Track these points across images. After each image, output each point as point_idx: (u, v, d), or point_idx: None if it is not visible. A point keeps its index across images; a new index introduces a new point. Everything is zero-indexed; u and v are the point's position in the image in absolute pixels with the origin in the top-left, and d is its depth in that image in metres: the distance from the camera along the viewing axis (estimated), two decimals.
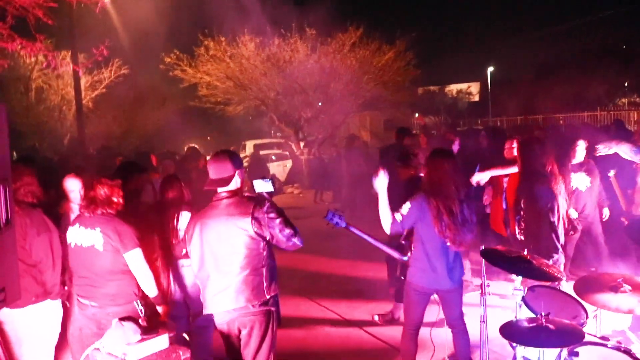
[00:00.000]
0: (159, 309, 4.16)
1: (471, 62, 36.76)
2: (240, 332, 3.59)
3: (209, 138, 31.27)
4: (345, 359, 5.43)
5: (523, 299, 3.75)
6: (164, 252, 4.43)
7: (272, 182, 3.79)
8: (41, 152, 18.04)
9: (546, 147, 5.39)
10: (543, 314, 3.21)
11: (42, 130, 19.94)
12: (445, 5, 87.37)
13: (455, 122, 30.52)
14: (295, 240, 3.58)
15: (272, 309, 3.60)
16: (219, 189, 3.59)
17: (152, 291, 3.99)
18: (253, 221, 3.44)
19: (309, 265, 8.07)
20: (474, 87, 41.59)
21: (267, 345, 3.59)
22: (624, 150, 5.66)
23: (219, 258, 3.52)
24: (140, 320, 3.57)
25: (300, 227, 3.69)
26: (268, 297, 3.54)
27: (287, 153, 21.57)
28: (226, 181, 3.56)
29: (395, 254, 4.74)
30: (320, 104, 20.63)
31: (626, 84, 30.16)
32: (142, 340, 3.43)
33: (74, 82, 17.42)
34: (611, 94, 27.74)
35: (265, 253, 3.55)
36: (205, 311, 3.68)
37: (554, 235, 5.01)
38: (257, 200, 3.54)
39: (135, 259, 3.88)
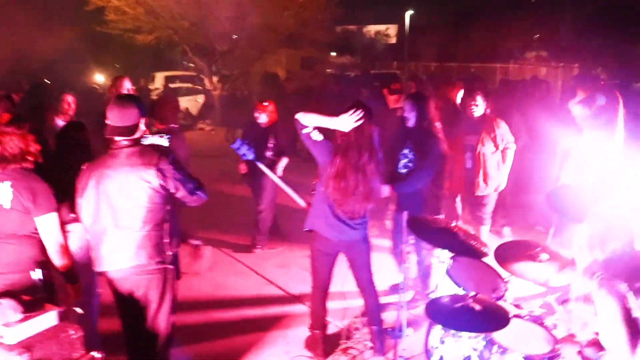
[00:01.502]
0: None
1: (391, 4, 36.29)
2: (133, 292, 3.33)
3: (117, 66, 29.35)
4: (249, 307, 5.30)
5: (447, 272, 3.61)
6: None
7: (169, 138, 3.44)
8: None
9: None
10: (470, 294, 3.06)
11: None
12: None
13: (371, 64, 30.51)
14: (199, 193, 3.41)
15: (170, 266, 3.41)
16: (118, 138, 3.26)
17: (63, 261, 3.44)
18: (158, 172, 3.22)
19: (217, 211, 7.58)
20: (392, 29, 41.48)
21: (167, 304, 3.42)
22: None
23: (119, 212, 3.26)
24: (22, 296, 3.07)
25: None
26: (169, 253, 3.38)
27: (200, 87, 20.67)
28: (131, 130, 3.27)
29: (299, 200, 4.57)
30: (235, 37, 19.67)
31: (536, 37, 31.03)
32: (23, 319, 2.96)
33: None
34: (523, 47, 28.40)
35: (167, 207, 3.36)
36: (98, 268, 3.38)
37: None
38: (162, 151, 3.34)
39: (49, 224, 3.34)
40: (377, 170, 3.92)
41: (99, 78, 24.20)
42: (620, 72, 18.54)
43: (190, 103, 19.78)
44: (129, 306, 3.39)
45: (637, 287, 2.46)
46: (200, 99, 20.28)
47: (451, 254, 3.75)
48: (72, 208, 3.52)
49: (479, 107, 5.71)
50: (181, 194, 3.33)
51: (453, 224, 3.85)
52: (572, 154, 6.09)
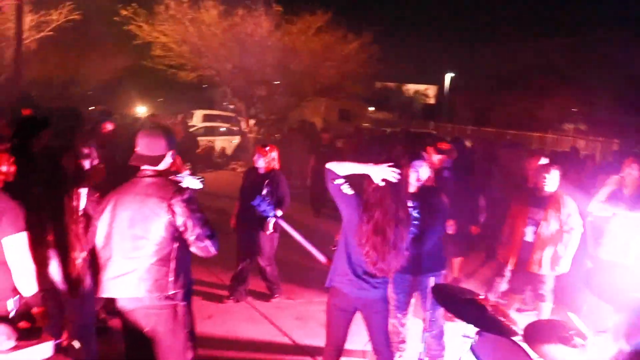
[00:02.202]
0: (35, 309, 3.28)
1: (432, 65, 36.71)
2: (141, 327, 3.23)
3: (159, 101, 29.97)
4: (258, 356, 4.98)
5: (472, 348, 3.33)
6: (56, 237, 3.70)
7: (202, 181, 3.50)
8: None
9: None
10: None
11: None
12: (415, 3, 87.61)
13: (409, 122, 30.57)
14: (208, 243, 3.27)
15: (180, 303, 3.29)
16: (144, 167, 3.27)
17: (29, 288, 3.12)
18: (169, 207, 3.17)
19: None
20: (431, 90, 41.76)
21: (180, 343, 3.30)
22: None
23: (127, 240, 3.23)
24: (17, 324, 2.89)
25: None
26: (173, 291, 3.24)
27: (236, 129, 20.87)
28: (156, 160, 3.27)
29: (319, 256, 4.34)
30: (277, 82, 19.91)
31: (574, 110, 30.82)
32: (16, 347, 2.78)
33: (16, 16, 16.10)
34: (561, 117, 28.20)
35: (176, 245, 3.25)
36: (101, 294, 3.27)
37: None
38: (180, 187, 3.29)
39: (16, 246, 3.05)
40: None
41: (141, 110, 24.73)
42: None
43: (225, 143, 20.00)
44: (135, 339, 3.29)
45: None
46: (236, 140, 20.46)
47: (477, 329, 3.47)
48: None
49: (553, 182, 5.49)
50: (189, 236, 3.22)
51: (481, 296, 3.58)
52: (610, 230, 5.83)
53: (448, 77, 37.98)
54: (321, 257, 4.32)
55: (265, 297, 6.46)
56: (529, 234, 5.61)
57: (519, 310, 6.32)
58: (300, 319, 6.02)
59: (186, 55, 18.71)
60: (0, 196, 3.11)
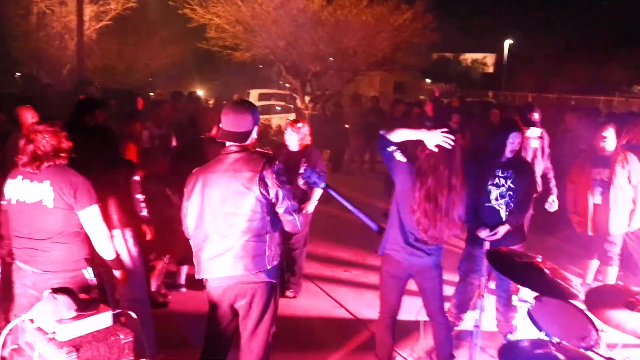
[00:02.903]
0: (116, 273, 3.65)
1: (490, 33, 35.49)
2: (236, 301, 3.29)
3: (215, 83, 30.39)
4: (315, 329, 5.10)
5: (529, 313, 3.21)
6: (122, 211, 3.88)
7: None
8: (39, 80, 17.38)
9: None
10: (553, 340, 2.67)
11: (41, 58, 19.08)
12: None
13: (466, 92, 29.81)
14: (296, 217, 3.28)
15: (274, 280, 3.32)
16: (229, 142, 3.24)
17: (109, 253, 3.46)
18: (260, 180, 3.12)
19: None
20: (490, 58, 40.54)
21: (269, 317, 3.35)
22: None
23: (219, 218, 3.19)
24: (78, 294, 2.99)
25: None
26: (269, 267, 3.24)
27: (292, 106, 20.92)
28: (244, 137, 3.23)
29: (371, 224, 4.27)
30: (331, 59, 19.76)
31: None
32: (77, 317, 2.88)
33: (77, 8, 16.59)
34: (629, 80, 26.78)
35: (269, 218, 3.22)
36: (198, 275, 3.32)
37: None
38: (269, 158, 3.21)
39: (92, 217, 3.30)
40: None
41: (199, 92, 25.16)
42: None
43: (282, 121, 20.11)
44: (221, 314, 3.34)
45: None
46: (292, 117, 20.54)
47: (535, 294, 3.34)
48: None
49: (610, 141, 5.38)
50: (280, 208, 3.21)
51: (539, 259, 3.45)
52: None
53: (507, 44, 36.71)
54: (373, 225, 4.27)
55: (322, 270, 6.46)
56: (596, 196, 5.44)
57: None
58: (357, 290, 6.01)
59: (240, 35, 18.80)
60: (70, 171, 3.28)
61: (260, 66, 25.84)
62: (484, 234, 4.29)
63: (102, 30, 19.73)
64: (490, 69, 40.82)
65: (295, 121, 5.88)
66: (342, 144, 13.85)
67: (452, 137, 3.51)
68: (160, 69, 24.65)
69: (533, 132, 6.04)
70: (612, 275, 5.50)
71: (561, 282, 3.21)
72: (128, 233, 4.07)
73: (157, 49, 23.59)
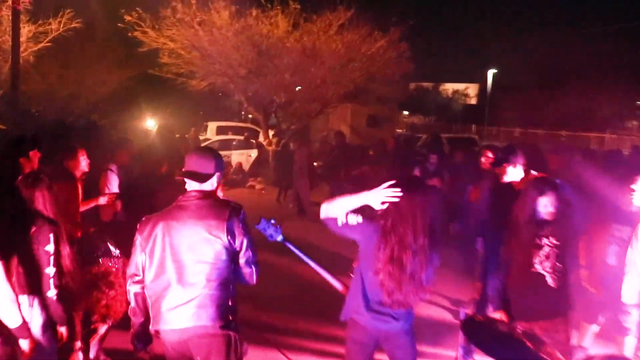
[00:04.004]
0: (23, 343, 3.47)
1: (472, 62, 36.44)
2: (194, 356, 3.33)
3: (168, 112, 30.36)
4: None
5: None
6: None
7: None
8: None
9: None
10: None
11: None
12: None
13: (447, 126, 30.32)
14: (254, 269, 3.46)
15: (232, 333, 3.38)
16: (190, 187, 3.43)
17: (13, 319, 3.32)
18: (227, 229, 3.30)
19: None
20: (472, 89, 41.40)
21: None
22: None
23: (183, 267, 3.31)
24: None
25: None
26: (231, 318, 3.37)
27: (253, 141, 20.94)
28: (203, 178, 3.42)
29: (336, 283, 4.26)
30: (298, 88, 19.97)
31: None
32: None
33: (12, 28, 16.46)
34: (622, 114, 27.61)
35: (232, 267, 3.39)
36: (155, 326, 3.36)
37: None
38: (234, 206, 3.41)
39: None
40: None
41: (150, 123, 25.05)
42: None
43: (243, 157, 20.04)
44: None
45: None
46: (254, 153, 20.50)
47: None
48: None
49: (639, 195, 5.00)
50: (242, 258, 3.39)
51: (519, 329, 3.45)
52: None
53: (491, 74, 37.67)
54: (338, 285, 4.26)
55: (284, 331, 6.39)
56: (611, 256, 5.24)
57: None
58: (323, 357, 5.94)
59: (196, 61, 18.94)
60: None
61: (220, 94, 25.96)
62: None
63: (41, 53, 19.59)
64: (473, 100, 41.69)
65: None
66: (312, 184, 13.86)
67: (399, 190, 3.49)
68: (107, 96, 24.56)
69: None
70: (629, 347, 5.33)
71: (546, 357, 3.20)
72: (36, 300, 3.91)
73: (104, 74, 23.53)
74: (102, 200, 5.94)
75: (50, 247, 3.76)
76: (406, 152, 12.07)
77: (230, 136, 21.30)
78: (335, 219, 3.60)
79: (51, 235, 3.77)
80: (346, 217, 3.58)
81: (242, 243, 3.36)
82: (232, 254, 3.36)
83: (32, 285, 3.79)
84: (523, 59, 35.29)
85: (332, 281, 4.35)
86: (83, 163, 5.58)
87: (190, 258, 3.31)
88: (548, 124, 28.54)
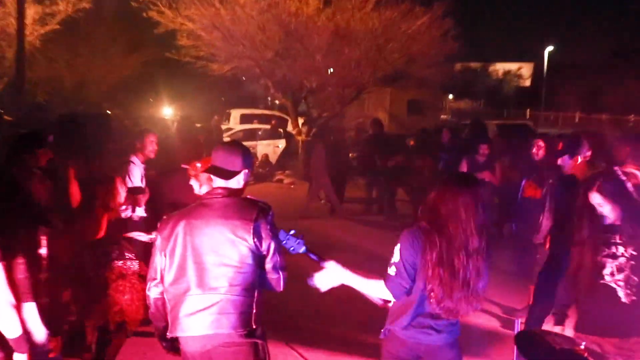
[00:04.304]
0: (20, 358, 3.37)
1: (525, 38, 35.91)
2: None
3: (188, 99, 30.65)
4: None
5: None
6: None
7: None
8: None
9: None
10: None
11: None
12: None
13: (498, 111, 29.99)
14: (281, 275, 3.51)
15: (260, 341, 3.44)
16: (216, 184, 3.52)
17: (11, 329, 3.26)
18: (254, 230, 3.34)
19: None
20: (526, 69, 40.91)
21: None
22: None
23: (205, 270, 3.37)
24: None
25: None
26: (255, 327, 3.40)
27: (281, 131, 20.95)
28: (229, 174, 3.49)
29: (374, 298, 4.25)
30: (330, 71, 19.92)
31: None
32: None
33: (17, 9, 16.76)
34: None
35: (259, 272, 3.44)
36: (172, 333, 3.44)
37: None
38: (262, 207, 3.46)
39: None
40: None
41: (167, 111, 25.26)
42: None
43: (269, 148, 20.07)
44: None
45: None
46: (282, 144, 20.53)
47: None
48: None
49: None
50: (269, 263, 3.44)
51: (583, 345, 3.41)
52: None
53: (547, 52, 37.09)
54: (376, 299, 4.24)
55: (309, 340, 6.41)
56: None
57: None
58: None
59: (218, 43, 18.95)
60: None
61: (244, 78, 26.06)
62: None
63: (47, 36, 19.89)
64: (527, 82, 41.21)
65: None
66: (344, 178, 13.84)
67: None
68: (119, 83, 24.82)
69: None
70: None
71: None
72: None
73: (116, 59, 23.80)
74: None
75: (43, 251, 3.84)
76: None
77: (255, 125, 21.35)
78: (391, 282, 3.63)
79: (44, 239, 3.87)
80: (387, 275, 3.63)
81: (269, 247, 3.41)
82: (259, 258, 3.41)
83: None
84: (584, 34, 34.73)
85: (370, 296, 4.33)
86: None
87: (213, 260, 3.36)
88: (613, 108, 28.05)
